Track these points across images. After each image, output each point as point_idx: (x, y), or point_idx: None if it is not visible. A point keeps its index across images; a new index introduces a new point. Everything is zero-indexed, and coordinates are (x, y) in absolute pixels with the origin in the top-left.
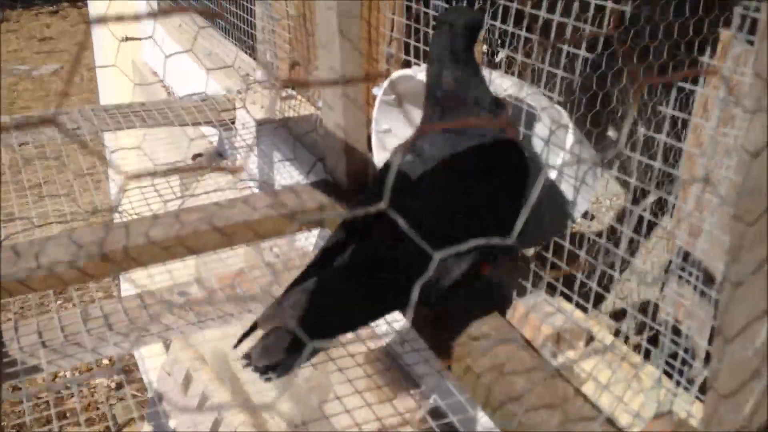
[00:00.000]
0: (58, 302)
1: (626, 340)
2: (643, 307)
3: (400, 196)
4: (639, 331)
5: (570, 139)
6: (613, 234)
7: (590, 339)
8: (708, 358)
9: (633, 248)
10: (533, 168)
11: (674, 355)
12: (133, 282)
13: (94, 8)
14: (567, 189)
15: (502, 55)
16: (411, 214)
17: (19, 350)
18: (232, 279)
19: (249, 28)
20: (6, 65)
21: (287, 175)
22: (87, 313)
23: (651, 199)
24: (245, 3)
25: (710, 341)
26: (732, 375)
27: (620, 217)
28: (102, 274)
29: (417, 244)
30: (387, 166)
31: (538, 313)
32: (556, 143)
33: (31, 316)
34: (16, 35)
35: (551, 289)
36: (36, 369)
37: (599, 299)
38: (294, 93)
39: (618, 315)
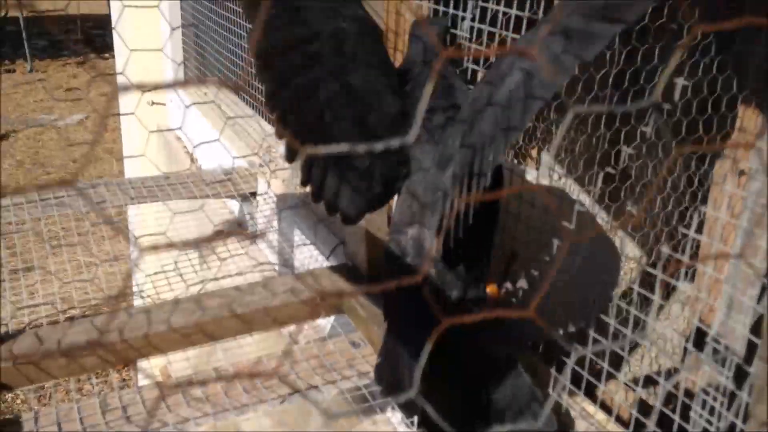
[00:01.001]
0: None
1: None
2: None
3: None
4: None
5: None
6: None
7: None
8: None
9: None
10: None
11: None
12: (148, 369)
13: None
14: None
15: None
16: None
17: None
18: (250, 368)
19: None
20: (32, 115)
21: (308, 254)
22: (106, 403)
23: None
24: None
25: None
26: None
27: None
28: (123, 360)
29: None
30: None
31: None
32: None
33: (50, 405)
34: (43, 85)
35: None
36: None
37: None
38: None
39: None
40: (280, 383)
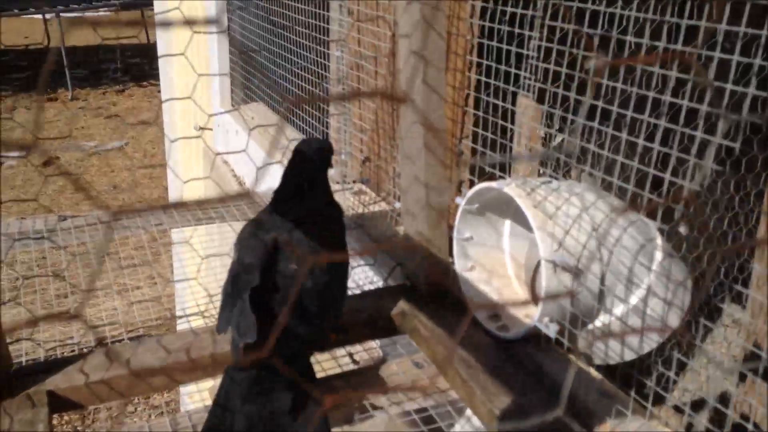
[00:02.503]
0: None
1: None
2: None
3: None
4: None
5: (659, 255)
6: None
7: None
8: None
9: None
10: None
11: None
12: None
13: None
14: (657, 305)
15: (558, 139)
16: None
17: None
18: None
19: (322, 126)
20: (74, 141)
21: (363, 276)
22: (176, 422)
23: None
24: (320, 103)
25: None
26: None
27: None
28: (190, 380)
29: None
30: None
31: None
32: (645, 259)
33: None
34: (84, 113)
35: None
36: None
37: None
38: (365, 189)
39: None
40: (346, 405)
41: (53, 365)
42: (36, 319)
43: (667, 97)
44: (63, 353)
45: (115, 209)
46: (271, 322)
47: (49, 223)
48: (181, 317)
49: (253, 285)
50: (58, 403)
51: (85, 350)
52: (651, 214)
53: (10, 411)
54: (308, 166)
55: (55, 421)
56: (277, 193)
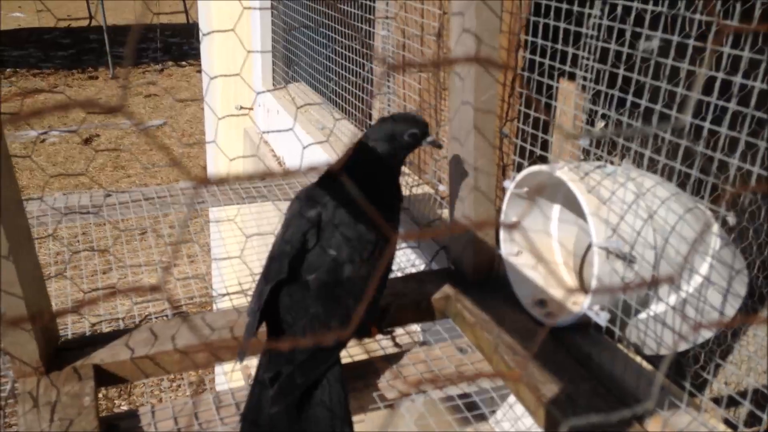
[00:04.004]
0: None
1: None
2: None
3: None
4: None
5: (716, 242)
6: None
7: None
8: None
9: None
10: None
11: None
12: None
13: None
14: (713, 296)
15: (601, 124)
16: None
17: None
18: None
19: (366, 107)
20: (114, 119)
21: (406, 259)
22: (219, 399)
23: None
24: (363, 83)
25: None
26: None
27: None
28: (233, 357)
29: None
30: None
31: None
32: (701, 246)
33: (166, 399)
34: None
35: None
36: None
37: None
38: (408, 171)
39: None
40: (389, 387)
41: (99, 339)
42: (116, 290)
43: (738, 79)
44: (108, 328)
45: (199, 179)
46: (300, 305)
47: (95, 198)
48: (224, 295)
49: (279, 278)
50: (104, 377)
51: (130, 325)
52: (716, 202)
53: (57, 383)
54: (395, 144)
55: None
56: (345, 162)
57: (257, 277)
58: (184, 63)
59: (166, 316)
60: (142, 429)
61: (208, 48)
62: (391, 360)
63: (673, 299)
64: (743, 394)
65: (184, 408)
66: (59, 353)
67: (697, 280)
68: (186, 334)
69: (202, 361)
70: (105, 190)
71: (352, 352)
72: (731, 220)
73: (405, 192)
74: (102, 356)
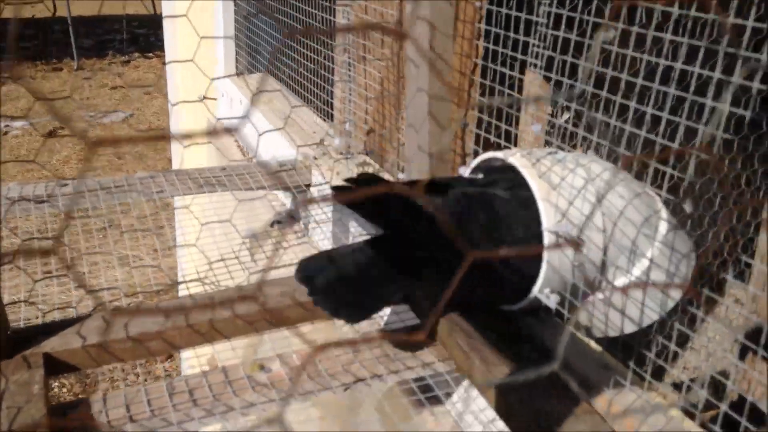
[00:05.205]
0: (123, 374)
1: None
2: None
3: None
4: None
5: (664, 226)
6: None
7: None
8: None
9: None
10: None
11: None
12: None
13: (171, 55)
14: (659, 278)
15: (566, 116)
16: None
17: (107, 424)
18: (314, 355)
19: (327, 96)
20: (79, 112)
21: None
22: (172, 386)
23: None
24: (323, 72)
25: None
26: None
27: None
28: (187, 345)
29: None
30: None
31: (636, 413)
32: (648, 231)
33: (119, 388)
34: (89, 83)
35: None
36: None
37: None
38: (369, 160)
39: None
40: (344, 372)
41: (51, 328)
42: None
43: (678, 65)
44: (61, 317)
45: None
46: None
47: (50, 188)
48: (180, 283)
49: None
50: (55, 366)
51: (84, 314)
52: (674, 190)
53: (6, 372)
54: None
55: (56, 389)
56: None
57: (215, 266)
58: (150, 54)
59: (122, 304)
60: (93, 417)
61: (171, 37)
62: (347, 345)
63: (620, 282)
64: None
65: (137, 395)
66: (9, 342)
67: (644, 263)
68: (139, 321)
69: (157, 349)
70: (60, 180)
71: (309, 338)
72: (688, 207)
73: None
74: (53, 345)
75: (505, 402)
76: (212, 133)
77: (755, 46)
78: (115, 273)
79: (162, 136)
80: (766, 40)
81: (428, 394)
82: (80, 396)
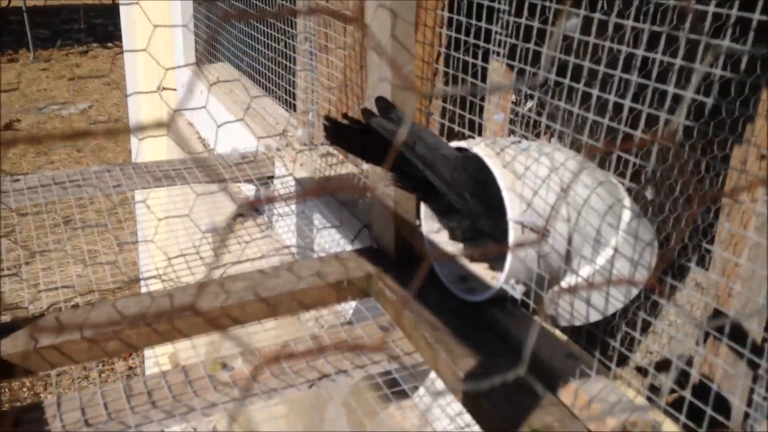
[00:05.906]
0: (84, 372)
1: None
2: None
3: None
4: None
5: (627, 215)
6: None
7: None
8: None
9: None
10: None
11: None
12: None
13: (129, 45)
14: (623, 266)
15: (530, 105)
16: None
17: (62, 429)
18: (277, 352)
19: (289, 86)
20: (36, 104)
21: (330, 239)
22: (130, 387)
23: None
24: (287, 63)
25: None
26: None
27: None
28: (146, 345)
29: None
30: None
31: (602, 403)
32: (612, 219)
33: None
34: (46, 74)
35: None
36: None
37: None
38: (333, 151)
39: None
40: (309, 368)
41: (1, 330)
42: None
43: (639, 52)
44: (12, 318)
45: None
46: None
47: (2, 184)
48: (138, 280)
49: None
50: (7, 369)
51: (36, 314)
52: (636, 178)
53: None
54: None
55: (16, 387)
56: None
57: (174, 261)
58: (109, 44)
59: (76, 303)
60: (47, 422)
61: (128, 26)
62: (312, 341)
63: (585, 271)
64: (664, 364)
65: (93, 398)
66: None
67: (608, 252)
68: (95, 322)
69: (114, 350)
70: (11, 176)
71: (273, 334)
72: (649, 195)
73: (329, 172)
74: (4, 347)
75: (472, 395)
76: (166, 124)
77: (714, 32)
78: (70, 270)
79: (86, 132)
80: (725, 26)
81: (395, 388)
82: (40, 395)
